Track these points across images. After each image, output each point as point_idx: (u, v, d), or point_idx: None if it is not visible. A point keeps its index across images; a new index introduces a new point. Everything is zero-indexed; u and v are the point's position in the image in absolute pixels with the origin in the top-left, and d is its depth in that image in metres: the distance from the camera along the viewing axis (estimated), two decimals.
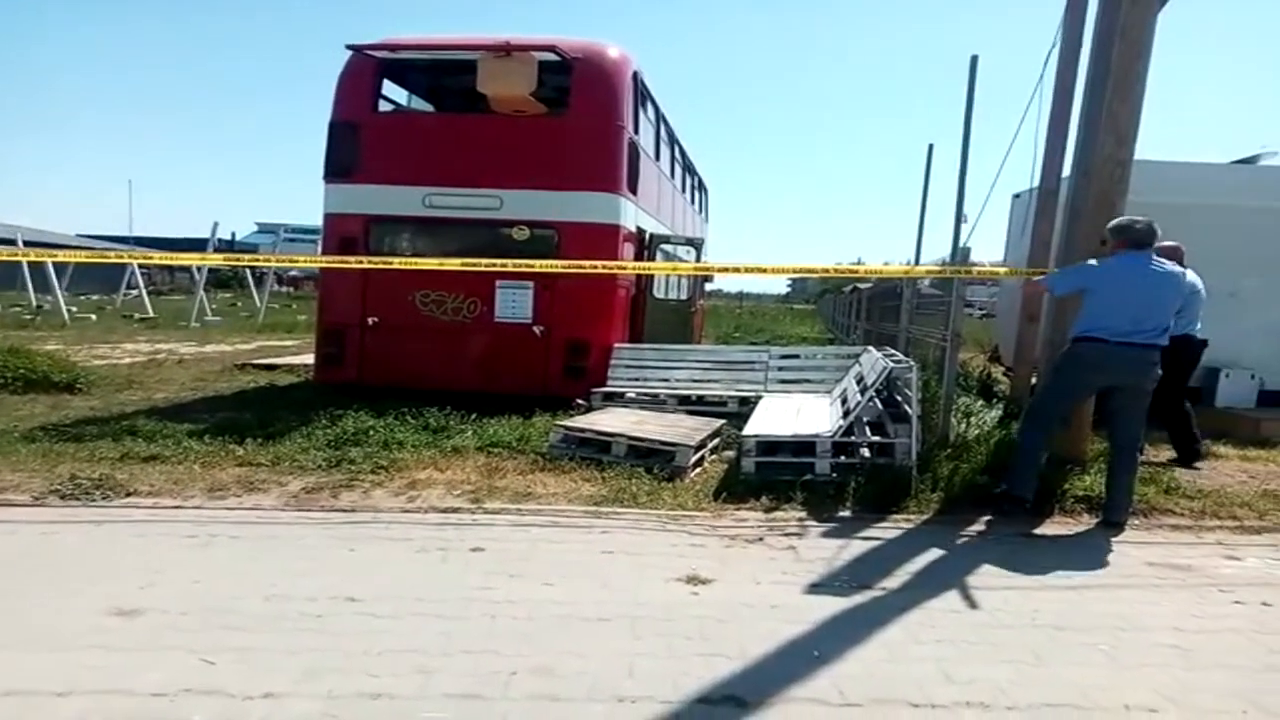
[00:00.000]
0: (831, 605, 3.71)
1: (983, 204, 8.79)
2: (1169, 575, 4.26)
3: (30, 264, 26.02)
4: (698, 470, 6.14)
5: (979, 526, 5.00)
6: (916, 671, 3.08)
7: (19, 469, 5.64)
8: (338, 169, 9.17)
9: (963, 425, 6.70)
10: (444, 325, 8.97)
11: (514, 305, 8.95)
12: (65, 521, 4.67)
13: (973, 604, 3.80)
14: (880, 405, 6.65)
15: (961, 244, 7.16)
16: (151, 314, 25.68)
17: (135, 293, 29.51)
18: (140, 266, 28.21)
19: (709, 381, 8.98)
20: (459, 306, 8.99)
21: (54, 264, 24.01)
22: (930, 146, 12.11)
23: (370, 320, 9.02)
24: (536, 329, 8.88)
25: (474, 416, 7.40)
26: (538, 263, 7.71)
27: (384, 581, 3.88)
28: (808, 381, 8.90)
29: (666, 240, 11.26)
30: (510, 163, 9.00)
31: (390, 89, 9.89)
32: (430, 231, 9.46)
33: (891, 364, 6.35)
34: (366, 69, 9.18)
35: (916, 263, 11.06)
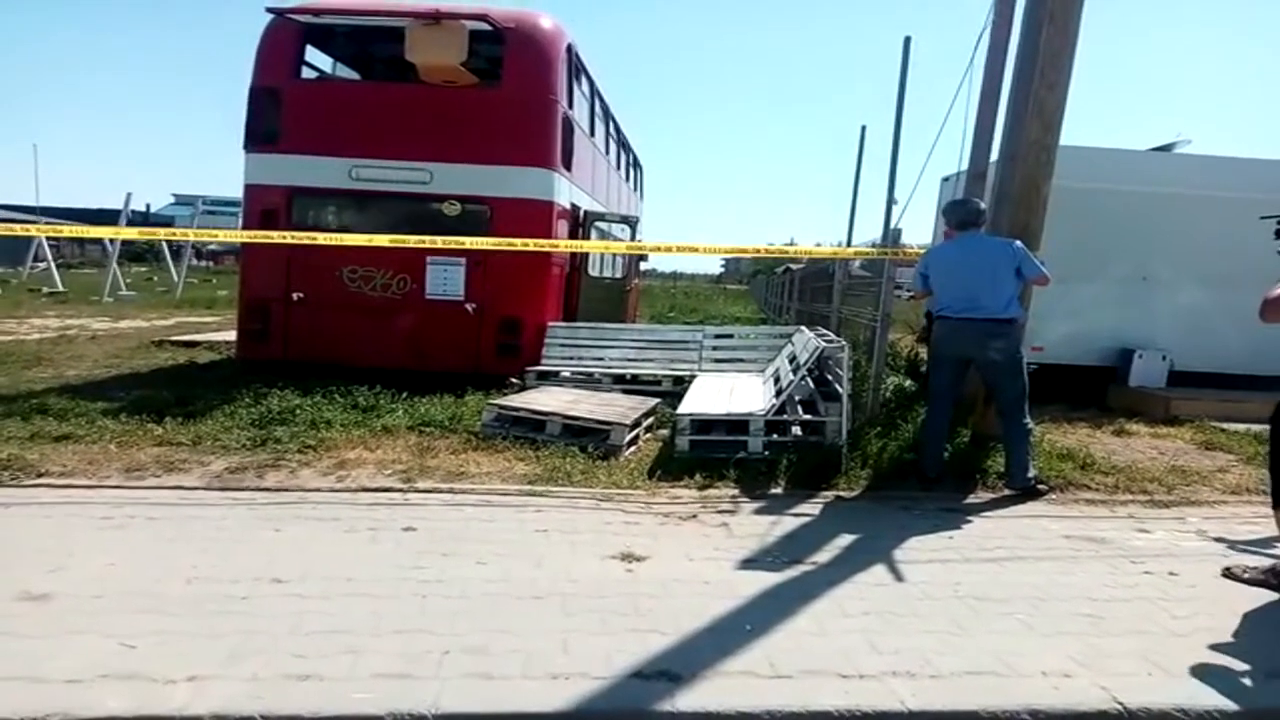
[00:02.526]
0: (763, 580, 3.77)
1: (913, 187, 8.96)
2: (1084, 547, 4.43)
3: None
4: (632, 449, 6.15)
5: (905, 502, 5.12)
6: (845, 643, 3.15)
7: None
8: (258, 137, 8.85)
9: (891, 404, 6.85)
10: (373, 302, 8.78)
11: (445, 282, 8.80)
12: None
13: (899, 577, 3.89)
14: (812, 384, 6.75)
15: (893, 226, 7.29)
16: (61, 288, 24.57)
17: (43, 265, 28.15)
18: (49, 239, 26.87)
19: (644, 360, 8.99)
20: (388, 283, 8.80)
21: None
22: (863, 128, 12.30)
23: (295, 296, 8.77)
24: (469, 306, 8.75)
25: (405, 395, 7.27)
26: (468, 240, 7.60)
27: (311, 562, 3.79)
28: (741, 361, 8.98)
29: (601, 218, 11.20)
30: (440, 135, 8.81)
31: (314, 55, 9.57)
32: (357, 205, 9.22)
33: (823, 344, 6.44)
34: (288, 33, 8.86)
35: (848, 244, 11.23)
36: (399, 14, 8.74)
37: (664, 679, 2.84)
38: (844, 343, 6.49)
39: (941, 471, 5.46)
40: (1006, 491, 5.34)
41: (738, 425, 5.95)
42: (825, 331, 8.16)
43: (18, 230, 11.52)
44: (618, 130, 13.79)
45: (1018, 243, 5.33)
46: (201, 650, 2.93)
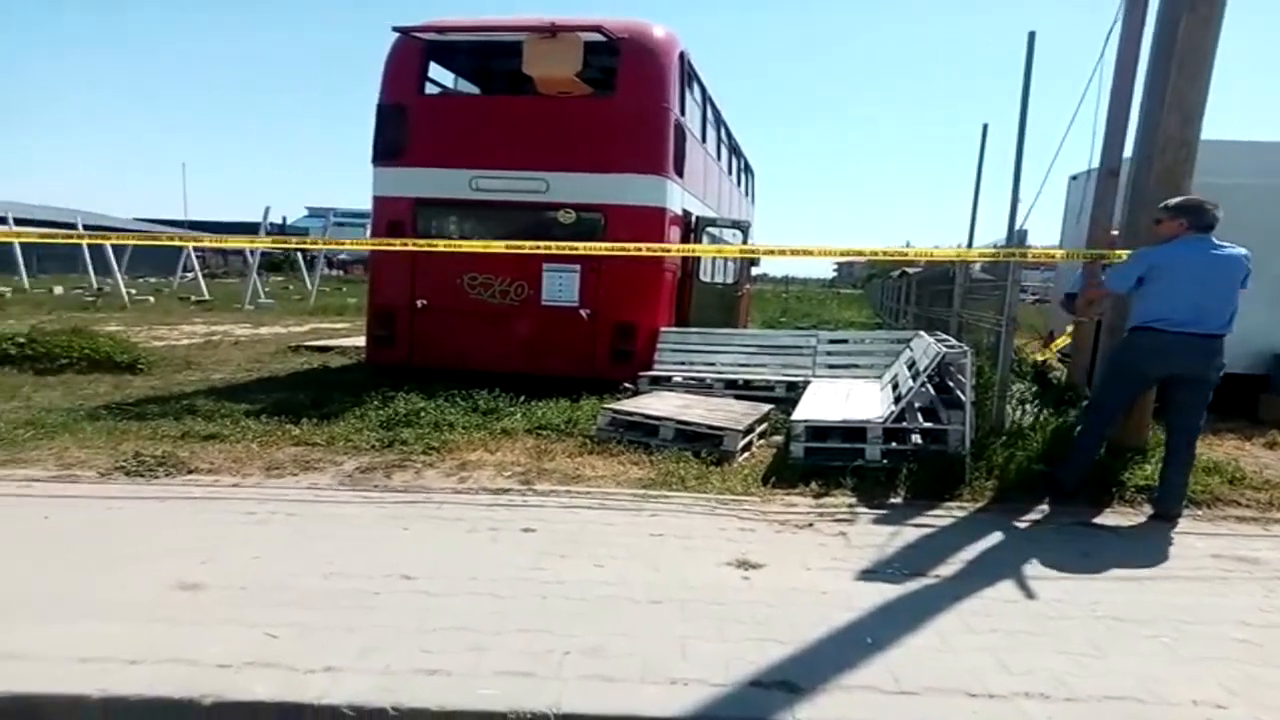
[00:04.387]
0: (883, 592, 3.68)
1: (1039, 185, 8.59)
2: (1235, 568, 4.14)
3: (90, 247, 26.77)
4: (745, 455, 6.12)
5: (1035, 515, 4.91)
6: (972, 660, 3.04)
7: (86, 446, 5.81)
8: (385, 152, 9.26)
9: (1018, 412, 6.58)
10: (492, 308, 9.03)
11: (561, 288, 8.97)
12: (130, 497, 4.81)
13: (1029, 593, 3.73)
14: (933, 391, 6.55)
15: (1017, 226, 7.00)
16: (207, 296, 26.28)
17: (191, 275, 30.23)
18: (195, 249, 28.84)
19: (756, 366, 8.93)
20: (506, 289, 9.04)
21: (113, 247, 24.68)
22: (984, 126, 11.87)
23: (419, 303, 9.12)
24: (583, 312, 8.89)
25: (522, 399, 7.45)
26: (582, 245, 7.73)
27: (437, 560, 3.93)
28: (856, 367, 8.81)
29: (713, 223, 11.19)
30: (556, 145, 9.00)
31: (436, 71, 9.94)
32: (477, 214, 9.52)
33: (945, 349, 6.24)
34: (413, 51, 9.23)
35: (970, 245, 10.84)
36: (517, 28, 8.98)
37: (783, 689, 2.81)
38: (966, 348, 6.27)
39: (1079, 486, 5.19)
40: (1147, 508, 5.04)
41: (854, 432, 5.83)
42: (945, 336, 7.91)
43: (164, 240, 12.45)
44: (729, 135, 13.75)
45: (1246, 251, 4.80)
46: (337, 642, 3.07)
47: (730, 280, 12.17)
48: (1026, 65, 6.49)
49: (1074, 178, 10.41)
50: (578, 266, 8.82)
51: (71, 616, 3.21)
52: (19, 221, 30.62)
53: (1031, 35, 6.51)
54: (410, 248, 8.20)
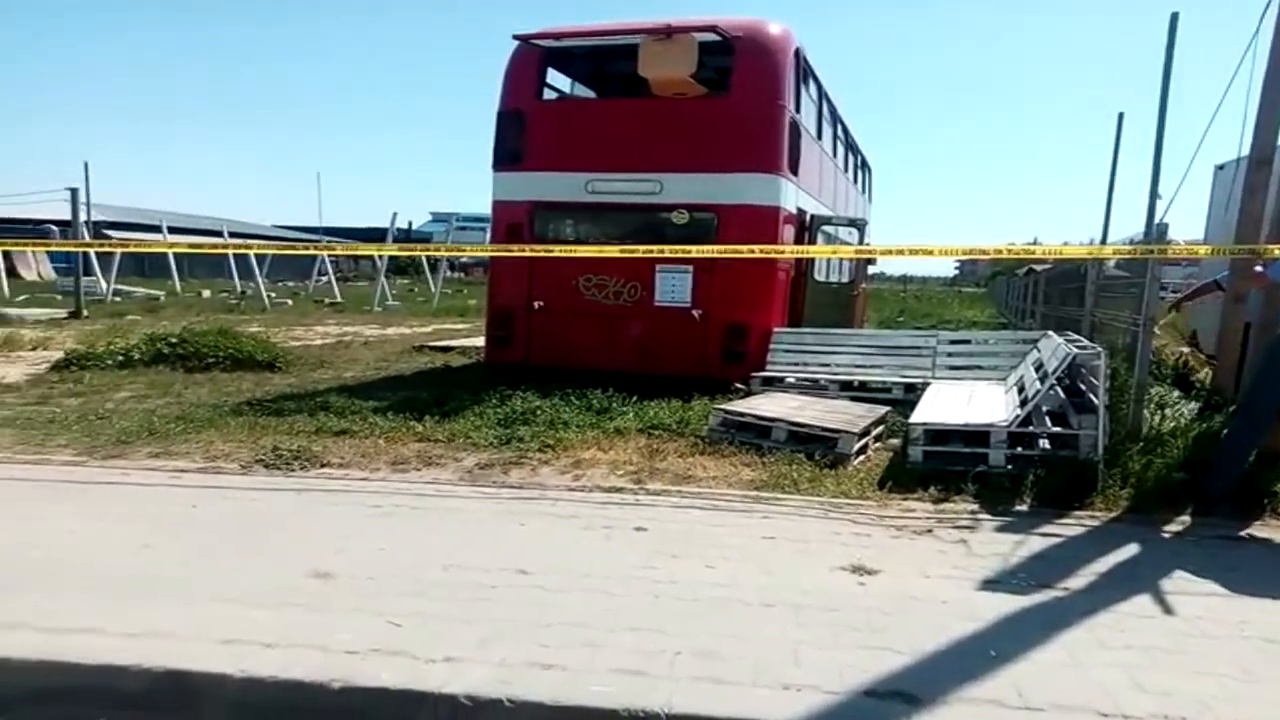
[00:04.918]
0: (1008, 603, 3.53)
1: (1181, 177, 8.06)
2: None
3: (235, 254, 28.61)
4: (861, 458, 5.99)
5: (1175, 527, 4.61)
6: (1103, 677, 2.89)
7: (229, 440, 6.21)
8: (505, 157, 9.51)
9: (1156, 417, 6.19)
10: (606, 309, 9.15)
11: (673, 289, 9.01)
12: (268, 489, 5.11)
13: (1168, 609, 3.51)
14: (1063, 394, 6.24)
15: (1157, 221, 6.58)
16: (339, 299, 27.64)
17: (325, 279, 31.84)
18: (329, 256, 30.37)
19: (872, 367, 8.72)
20: (620, 290, 9.14)
21: (255, 254, 26.28)
22: (1120, 116, 11.20)
23: (536, 304, 9.33)
24: (696, 312, 8.90)
25: (635, 398, 7.52)
26: (693, 248, 7.73)
27: (552, 556, 4.01)
28: (979, 368, 8.48)
29: (828, 221, 11.00)
30: (670, 146, 9.04)
31: (554, 77, 10.14)
32: (592, 216, 9.67)
33: (1076, 350, 5.94)
34: (531, 58, 9.45)
35: (1104, 241, 10.28)
36: (632, 32, 9.07)
37: (899, 699, 2.74)
38: (1100, 349, 5.95)
39: (1226, 496, 4.84)
40: None
41: (977, 436, 5.62)
42: (1076, 337, 7.53)
43: (300, 249, 13.19)
44: (845, 133, 13.49)
45: None
46: (457, 633, 3.18)
47: (846, 279, 11.94)
48: (1168, 48, 6.08)
49: (1220, 168, 9.71)
50: (690, 267, 8.83)
51: (216, 599, 3.43)
52: (172, 230, 33.01)
53: (1174, 16, 6.10)
54: (526, 253, 8.41)
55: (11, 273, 30.71)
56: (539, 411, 7.02)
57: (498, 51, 9.62)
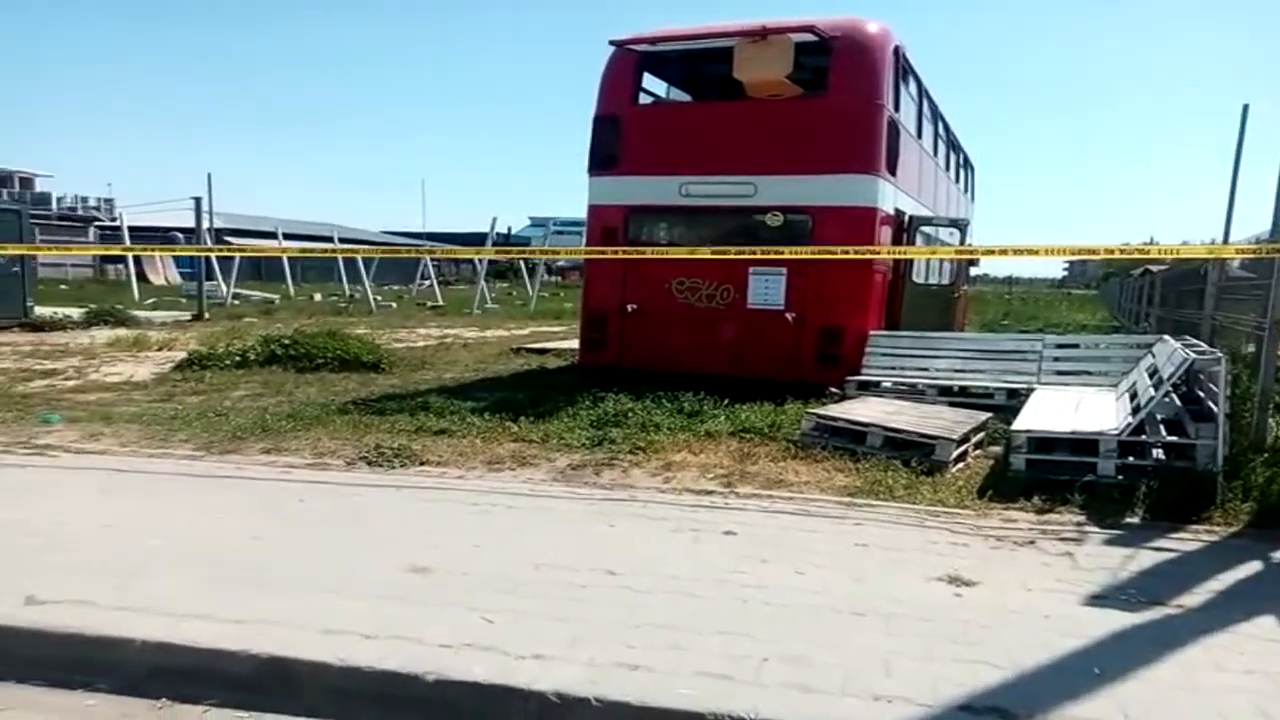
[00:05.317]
0: (1115, 619, 3.37)
1: None
2: None
3: (344, 258, 29.78)
4: (959, 466, 5.81)
5: None
6: (1222, 704, 2.72)
7: (335, 437, 6.47)
8: (600, 161, 9.61)
9: None
10: (699, 311, 9.14)
11: (767, 292, 8.94)
12: (371, 485, 5.30)
13: None
14: (1179, 402, 5.93)
15: None
16: (440, 302, 28.46)
17: (427, 283, 32.84)
18: (431, 260, 31.33)
19: (973, 372, 8.45)
20: (713, 293, 9.12)
21: (362, 258, 27.32)
22: (1245, 108, 10.53)
23: (630, 307, 9.39)
24: (789, 315, 8.80)
25: (726, 402, 7.49)
26: (786, 250, 7.66)
27: (641, 558, 4.03)
28: (1087, 374, 8.12)
29: (927, 222, 10.72)
30: (764, 148, 8.98)
31: (650, 81, 10.20)
32: (686, 220, 9.68)
33: (1194, 355, 5.62)
34: (628, 63, 9.53)
35: (1225, 240, 9.69)
36: (728, 34, 9.05)
37: (995, 715, 2.65)
38: (1220, 354, 5.61)
39: None
40: None
41: (1084, 445, 5.38)
42: (1194, 341, 7.12)
43: (402, 253, 13.63)
44: (947, 131, 13.13)
45: None
46: (547, 631, 3.23)
47: (946, 281, 11.60)
48: None
49: None
50: (784, 269, 8.75)
51: (319, 590, 3.58)
52: (287, 237, 34.61)
53: None
54: (620, 256, 8.48)
55: (142, 277, 32.75)
56: (631, 414, 7.07)
57: (599, 57, 9.72)
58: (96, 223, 50.29)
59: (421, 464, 5.79)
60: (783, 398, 7.70)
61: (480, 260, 29.12)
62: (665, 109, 10.62)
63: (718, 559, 4.04)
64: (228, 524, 4.44)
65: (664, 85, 10.97)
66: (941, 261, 11.43)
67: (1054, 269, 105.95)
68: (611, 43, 9.54)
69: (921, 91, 10.75)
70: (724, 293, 9.09)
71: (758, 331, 8.91)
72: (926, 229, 10.71)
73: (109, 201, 54.55)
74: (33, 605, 3.35)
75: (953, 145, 13.88)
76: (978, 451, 6.24)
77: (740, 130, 9.18)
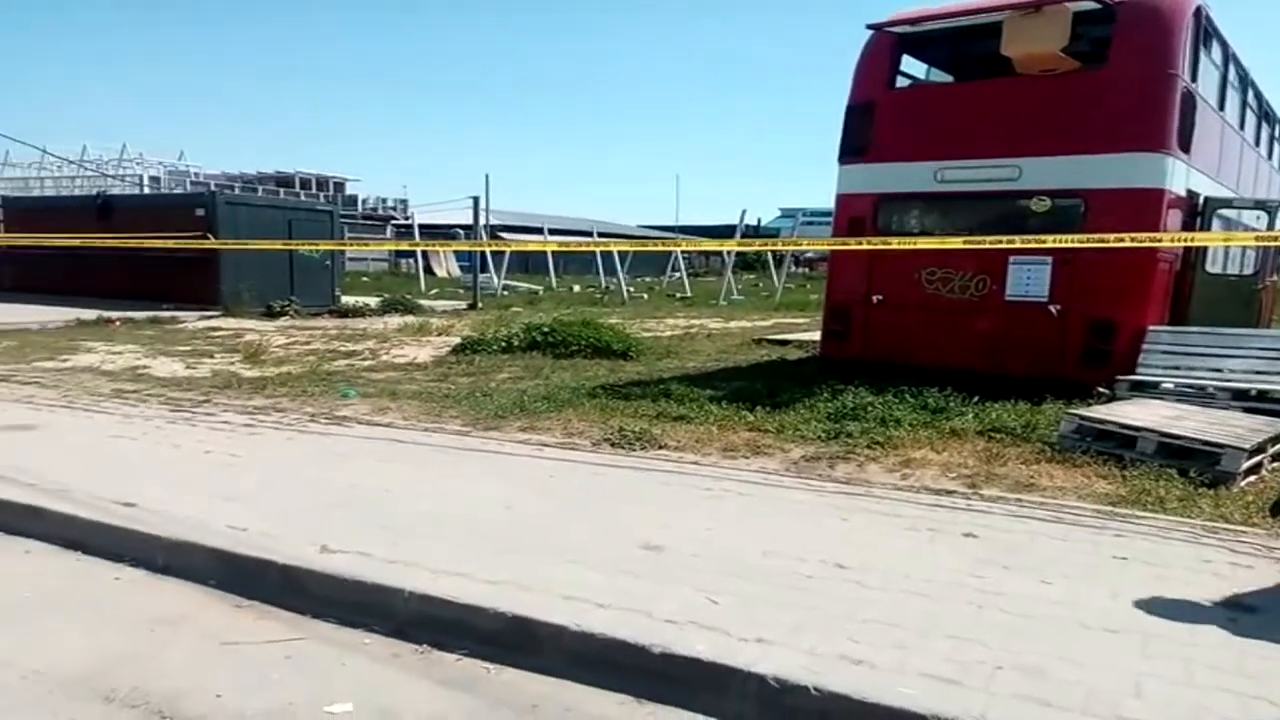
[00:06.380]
0: None
1: None
2: None
3: (601, 251, 31.34)
4: (1251, 479, 5.13)
5: None
6: None
7: (584, 419, 6.88)
8: (851, 150, 9.39)
9: None
10: (950, 303, 8.70)
11: (1028, 282, 8.32)
12: (613, 466, 5.60)
13: None
14: None
15: None
16: (689, 293, 29.13)
17: (677, 275, 33.74)
18: (681, 252, 32.17)
19: (1277, 374, 7.37)
20: (966, 284, 8.63)
21: (617, 252, 28.61)
22: None
23: (875, 298, 9.12)
24: (1053, 308, 8.13)
25: (975, 399, 7.09)
26: (1050, 238, 7.09)
27: (871, 553, 3.96)
28: None
29: (1227, 204, 9.45)
30: (1031, 128, 8.34)
31: (908, 64, 9.81)
32: (940, 207, 9.25)
33: None
34: (885, 46, 9.23)
35: None
36: (996, 8, 8.51)
37: None
38: None
39: None
40: None
41: None
42: None
43: (649, 246, 14.07)
44: (1259, 100, 11.48)
45: None
46: (771, 617, 3.27)
47: (1248, 271, 10.16)
48: None
49: None
50: (1048, 258, 8.09)
51: (560, 559, 3.87)
52: (552, 232, 36.99)
53: None
54: (864, 246, 8.27)
55: (428, 270, 36.36)
56: (870, 408, 6.90)
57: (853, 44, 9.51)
58: (393, 221, 56.45)
59: (661, 448, 6.02)
60: (1040, 396, 7.16)
61: (727, 252, 29.46)
62: (923, 91, 10.16)
63: (954, 561, 3.88)
64: (486, 493, 4.89)
65: (923, 67, 10.49)
66: (1244, 249, 10.03)
67: None
68: (869, 26, 9.27)
69: (1227, 56, 9.49)
70: (979, 283, 8.57)
71: (1015, 325, 8.32)
72: (1225, 212, 9.45)
73: (404, 202, 61.12)
74: (326, 553, 3.90)
75: (1266, 117, 12.12)
76: (1275, 464, 5.47)
77: (1006, 110, 8.60)
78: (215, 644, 3.37)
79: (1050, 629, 3.17)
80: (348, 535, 4.09)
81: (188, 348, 11.65)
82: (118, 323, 14.57)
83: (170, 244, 15.26)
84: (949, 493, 4.93)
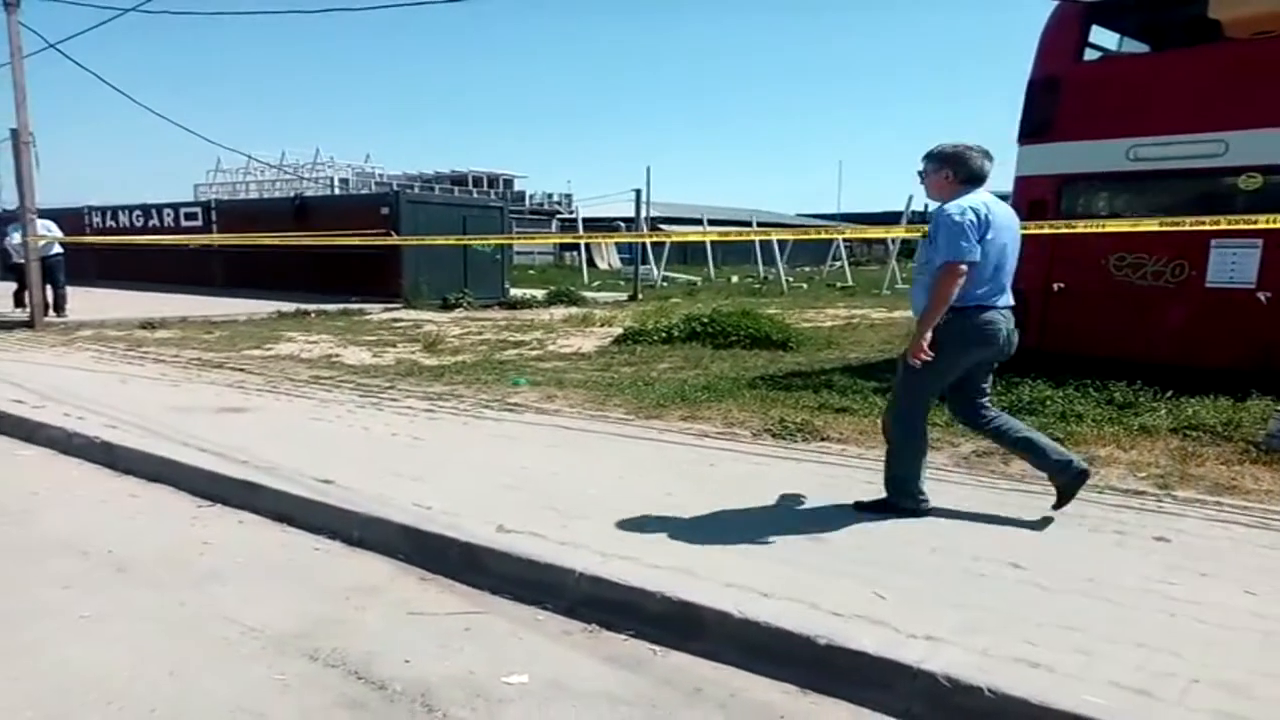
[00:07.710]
0: None
1: None
2: None
3: (760, 241, 31.13)
4: None
5: None
6: None
7: (744, 409, 6.88)
8: (1033, 129, 8.86)
9: None
10: (1140, 290, 8.08)
11: (1233, 267, 7.61)
12: (773, 456, 5.58)
13: None
14: None
15: None
16: (850, 283, 28.46)
17: (838, 264, 33.02)
18: (842, 240, 31.45)
19: None
20: (1160, 270, 7.99)
21: (777, 241, 28.30)
22: None
23: (1055, 286, 8.60)
24: (1262, 295, 7.40)
25: (1169, 394, 6.58)
26: (1262, 218, 6.44)
27: (1050, 554, 3.79)
28: None
29: None
30: (1241, 98, 7.60)
31: (1097, 34, 9.17)
32: (1132, 188, 8.58)
33: None
34: (1072, 16, 8.65)
35: None
36: None
37: None
38: None
39: None
40: None
41: None
42: None
43: (811, 234, 13.86)
44: None
45: None
46: (940, 615, 3.20)
47: None
48: None
49: None
50: (1258, 241, 7.37)
51: (722, 546, 3.92)
52: (711, 223, 37.03)
53: None
54: (1045, 230, 7.80)
55: (590, 263, 37.33)
56: (1048, 402, 6.55)
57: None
58: (558, 215, 58.27)
59: (822, 439, 5.95)
60: (1244, 392, 6.55)
61: (892, 239, 28.53)
62: (1114, 64, 9.45)
63: (1143, 566, 3.64)
64: (649, 480, 5.00)
65: (1114, 38, 9.76)
66: None
67: None
68: None
69: None
70: (1175, 269, 7.92)
71: (1216, 313, 7.62)
72: None
73: (568, 196, 62.99)
74: (503, 533, 4.12)
75: None
76: None
77: (1210, 80, 7.87)
78: (403, 613, 3.64)
79: (1255, 643, 2.93)
80: (521, 516, 4.31)
81: (374, 338, 12.51)
82: (313, 314, 15.85)
83: (358, 240, 16.41)
84: (1138, 493, 4.62)
